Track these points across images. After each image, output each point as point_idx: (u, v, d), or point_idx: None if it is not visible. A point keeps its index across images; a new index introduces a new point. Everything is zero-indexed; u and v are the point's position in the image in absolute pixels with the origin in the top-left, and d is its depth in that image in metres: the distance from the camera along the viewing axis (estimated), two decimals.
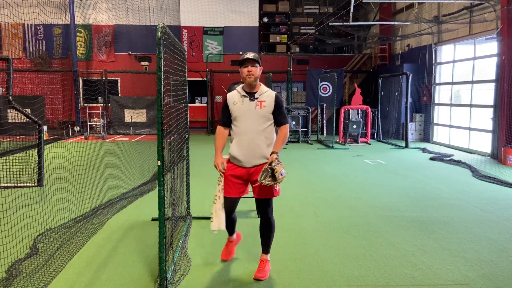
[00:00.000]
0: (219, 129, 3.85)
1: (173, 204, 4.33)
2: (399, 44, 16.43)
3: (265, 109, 3.70)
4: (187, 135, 5.34)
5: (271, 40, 19.12)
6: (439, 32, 13.37)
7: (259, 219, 5.50)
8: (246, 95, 3.72)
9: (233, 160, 3.77)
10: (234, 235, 4.14)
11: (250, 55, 3.70)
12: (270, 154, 3.67)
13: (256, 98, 3.71)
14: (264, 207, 3.79)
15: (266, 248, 3.88)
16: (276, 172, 3.50)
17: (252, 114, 3.68)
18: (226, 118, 3.78)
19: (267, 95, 3.76)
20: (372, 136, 14.83)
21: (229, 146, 3.83)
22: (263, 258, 3.87)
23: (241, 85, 3.80)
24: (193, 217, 5.39)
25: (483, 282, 3.71)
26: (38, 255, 4.17)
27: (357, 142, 13.90)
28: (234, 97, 3.76)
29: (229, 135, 3.87)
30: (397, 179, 8.13)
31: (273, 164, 3.54)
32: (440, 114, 13.85)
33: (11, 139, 11.86)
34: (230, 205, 3.78)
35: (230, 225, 3.95)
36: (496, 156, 10.35)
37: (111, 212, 5.74)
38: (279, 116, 3.76)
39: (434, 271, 3.94)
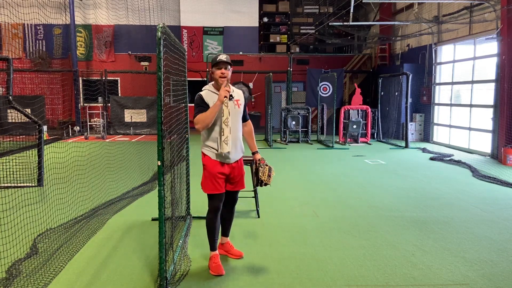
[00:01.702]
0: (199, 115, 3.71)
1: (173, 204, 4.33)
2: (399, 44, 16.43)
3: (241, 107, 3.93)
4: (187, 135, 5.34)
5: (271, 40, 19.12)
6: (439, 32, 13.37)
7: (259, 219, 5.54)
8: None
9: (219, 158, 3.82)
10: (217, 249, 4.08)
11: (223, 57, 3.78)
12: (253, 154, 4.06)
13: (234, 97, 3.85)
14: (236, 197, 4.11)
15: (229, 232, 4.27)
16: (265, 172, 3.99)
17: (233, 112, 3.79)
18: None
19: (237, 93, 3.93)
20: (372, 136, 14.83)
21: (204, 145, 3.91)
22: (229, 241, 4.29)
23: (211, 85, 3.88)
24: (193, 217, 5.39)
25: (483, 282, 3.71)
26: (38, 255, 4.17)
27: (357, 142, 13.90)
28: (213, 97, 3.79)
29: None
30: (397, 179, 8.13)
31: (260, 168, 4.02)
32: (440, 114, 13.85)
33: (11, 139, 11.86)
34: (220, 200, 3.91)
35: (216, 231, 3.96)
36: (496, 156, 10.35)
37: (111, 212, 5.74)
38: (245, 112, 4.04)
39: (434, 271, 3.94)
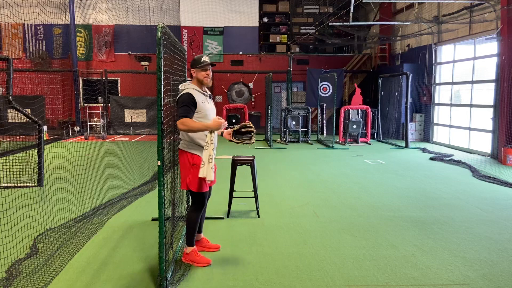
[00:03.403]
0: (189, 119, 3.69)
1: (173, 204, 4.33)
2: (399, 44, 16.44)
3: None
4: None
5: (271, 40, 19.12)
6: (439, 32, 13.37)
7: (259, 219, 5.55)
8: (207, 94, 3.97)
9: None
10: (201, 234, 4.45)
11: (207, 58, 3.90)
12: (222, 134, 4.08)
13: (212, 96, 4.06)
14: (211, 192, 4.28)
15: (202, 227, 4.48)
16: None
17: (214, 111, 4.02)
18: (192, 114, 3.75)
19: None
20: (372, 136, 14.83)
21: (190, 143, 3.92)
22: (203, 236, 4.47)
23: (191, 84, 3.91)
24: None
25: (483, 282, 3.71)
26: (38, 255, 4.17)
27: (357, 142, 13.90)
28: (201, 96, 3.87)
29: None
30: (397, 179, 8.13)
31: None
32: (440, 114, 13.85)
33: (11, 139, 11.86)
34: (207, 197, 4.06)
35: (201, 221, 4.29)
36: (496, 156, 10.35)
37: (111, 212, 5.74)
38: None
39: (434, 271, 3.94)
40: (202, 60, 3.84)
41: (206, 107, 3.87)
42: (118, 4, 16.10)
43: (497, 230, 5.09)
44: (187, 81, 4.00)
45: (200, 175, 3.70)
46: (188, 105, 3.72)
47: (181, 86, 3.94)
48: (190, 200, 4.19)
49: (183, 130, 3.71)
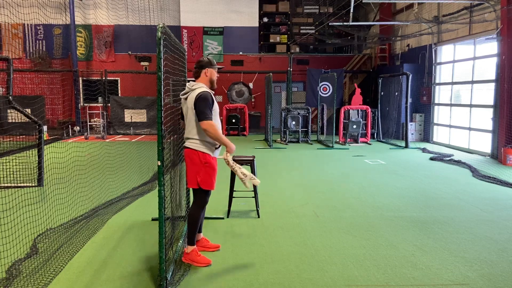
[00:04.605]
0: (215, 125, 3.90)
1: (173, 204, 4.33)
2: (399, 44, 16.43)
3: None
4: None
5: (271, 40, 19.12)
6: (439, 32, 13.37)
7: (259, 219, 5.55)
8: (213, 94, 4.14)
9: (214, 153, 4.06)
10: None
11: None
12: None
13: None
14: None
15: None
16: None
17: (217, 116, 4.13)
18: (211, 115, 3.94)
19: None
20: (372, 136, 14.82)
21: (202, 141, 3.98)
22: (203, 236, 4.50)
23: (204, 83, 4.07)
24: None
25: (483, 282, 3.71)
26: (38, 255, 4.17)
27: (357, 142, 13.89)
28: (212, 96, 4.06)
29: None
30: (397, 179, 8.13)
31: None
32: (440, 114, 13.86)
33: (11, 139, 11.86)
34: (210, 194, 4.13)
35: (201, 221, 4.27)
36: (496, 156, 10.35)
37: (111, 212, 5.74)
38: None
39: (434, 271, 3.94)
40: (215, 63, 4.15)
41: (215, 106, 4.03)
42: (118, 4, 16.10)
43: (497, 230, 5.09)
44: (191, 81, 4.05)
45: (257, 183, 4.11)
46: (210, 106, 3.90)
47: (192, 86, 3.98)
48: (191, 199, 4.19)
49: (207, 130, 3.83)
